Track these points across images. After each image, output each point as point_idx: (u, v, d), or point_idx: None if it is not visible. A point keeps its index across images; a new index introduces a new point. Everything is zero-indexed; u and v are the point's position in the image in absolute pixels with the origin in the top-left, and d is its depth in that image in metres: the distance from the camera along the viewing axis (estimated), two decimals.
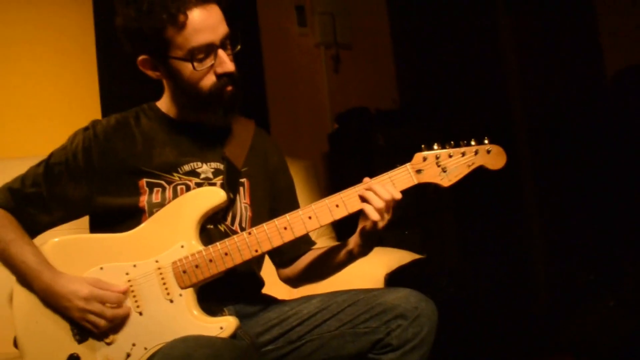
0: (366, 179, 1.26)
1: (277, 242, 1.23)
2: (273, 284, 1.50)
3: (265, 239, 1.23)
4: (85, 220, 1.40)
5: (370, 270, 1.76)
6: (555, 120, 3.04)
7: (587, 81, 3.04)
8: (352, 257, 1.34)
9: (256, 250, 1.23)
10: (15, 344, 1.27)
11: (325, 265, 1.39)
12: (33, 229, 1.31)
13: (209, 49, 1.24)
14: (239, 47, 1.30)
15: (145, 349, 1.20)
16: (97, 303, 1.20)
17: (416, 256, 1.85)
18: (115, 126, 1.35)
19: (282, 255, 1.45)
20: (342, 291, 1.34)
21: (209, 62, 1.25)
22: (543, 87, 3.09)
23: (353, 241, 1.31)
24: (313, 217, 1.24)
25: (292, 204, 1.46)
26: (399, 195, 1.22)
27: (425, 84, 3.00)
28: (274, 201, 1.43)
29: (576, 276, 2.80)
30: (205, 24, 1.23)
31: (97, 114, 2.34)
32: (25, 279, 1.24)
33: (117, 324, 1.21)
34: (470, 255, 2.57)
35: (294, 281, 1.47)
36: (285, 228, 1.23)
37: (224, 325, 1.21)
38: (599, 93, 2.96)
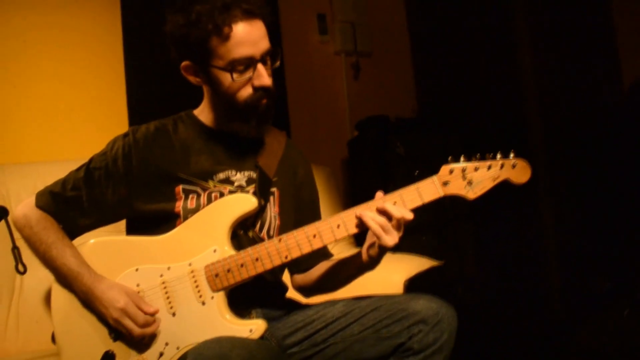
0: (379, 194, 1.28)
1: (306, 249, 1.28)
2: (292, 289, 1.54)
3: (295, 246, 1.28)
4: (121, 223, 1.47)
5: (390, 276, 1.81)
6: (571, 129, 3.06)
7: (604, 90, 3.05)
8: (362, 270, 1.37)
9: (286, 257, 1.28)
10: (53, 340, 1.33)
11: (337, 276, 1.43)
12: (72, 231, 1.38)
13: (249, 62, 1.30)
14: (278, 63, 1.35)
15: (178, 348, 1.26)
16: (128, 319, 1.25)
17: (434, 263, 1.89)
18: (155, 133, 1.40)
19: (299, 265, 1.49)
20: (364, 296, 1.38)
21: (247, 74, 1.30)
22: (560, 95, 3.10)
23: (363, 254, 1.32)
24: (341, 225, 1.28)
25: (314, 218, 1.49)
26: (410, 216, 1.24)
27: (444, 92, 3.03)
28: (297, 213, 1.48)
29: (591, 284, 2.82)
30: (248, 38, 1.28)
31: (123, 118, 2.40)
32: (65, 280, 1.31)
33: (150, 324, 1.26)
34: (485, 262, 2.60)
35: (307, 291, 1.50)
36: (314, 236, 1.28)
37: (253, 327, 1.26)
38: (616, 102, 2.97)
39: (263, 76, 1.31)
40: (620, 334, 2.28)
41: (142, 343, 1.27)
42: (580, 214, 3.03)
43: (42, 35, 2.26)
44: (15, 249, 1.08)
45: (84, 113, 2.31)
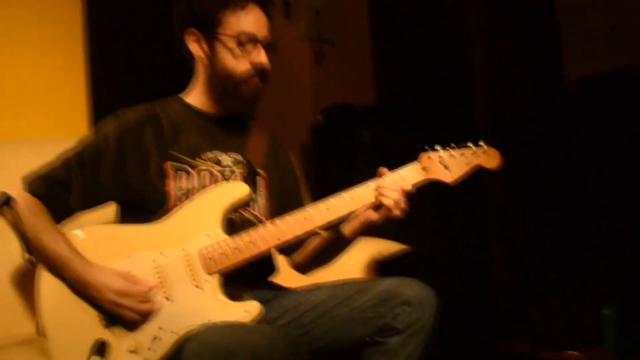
0: (383, 170, 1.38)
1: (299, 232, 1.34)
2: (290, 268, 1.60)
3: (288, 229, 1.33)
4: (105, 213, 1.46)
5: (360, 260, 1.88)
6: (518, 125, 3.25)
7: (549, 87, 3.27)
8: (349, 241, 1.46)
9: (279, 239, 1.33)
10: (38, 331, 1.30)
11: (329, 249, 1.51)
12: (63, 214, 1.36)
13: (253, 40, 1.39)
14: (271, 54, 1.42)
15: (173, 332, 1.27)
16: (126, 298, 1.26)
17: (402, 246, 1.99)
18: (145, 115, 1.44)
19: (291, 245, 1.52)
20: (349, 279, 1.46)
21: (249, 48, 1.38)
22: (508, 92, 3.29)
23: (352, 226, 1.42)
24: (332, 208, 1.35)
25: (299, 202, 1.55)
26: (409, 187, 1.37)
27: (401, 83, 3.14)
28: (283, 198, 1.53)
29: (533, 270, 3.02)
30: (258, 19, 1.40)
31: (82, 100, 2.33)
32: (56, 268, 1.29)
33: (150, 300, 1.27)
34: (441, 248, 2.74)
35: (304, 267, 1.57)
36: (305, 218, 1.34)
37: (248, 308, 1.30)
38: (560, 100, 3.19)
39: (263, 55, 1.40)
40: (569, 317, 2.46)
41: (136, 327, 1.27)
42: (524, 206, 3.22)
43: None
44: (24, 237, 1.05)
45: (41, 93, 2.22)
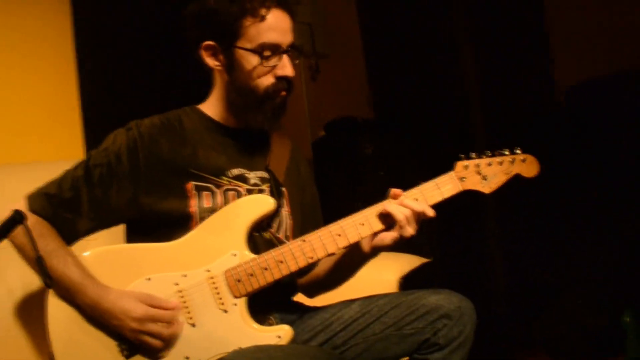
0: (395, 191, 1.28)
1: (332, 249, 1.25)
2: None
3: (320, 246, 1.24)
4: (116, 232, 1.35)
5: (382, 275, 1.80)
6: (511, 133, 3.23)
7: (540, 96, 3.28)
8: (364, 260, 1.36)
9: (311, 257, 1.24)
10: None
11: (341, 271, 1.41)
12: (70, 236, 1.25)
13: (276, 50, 1.27)
14: (298, 61, 1.33)
15: None
16: (151, 323, 1.16)
17: (423, 260, 1.91)
18: (161, 127, 1.32)
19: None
20: (380, 295, 1.37)
21: (273, 61, 1.27)
22: (500, 100, 3.29)
23: (367, 245, 1.31)
24: (366, 223, 1.26)
25: (315, 218, 1.47)
26: (431, 212, 1.26)
27: (396, 94, 3.11)
28: (302, 214, 1.44)
29: (536, 278, 2.98)
30: (279, 25, 1.27)
31: (76, 121, 2.23)
32: (67, 293, 1.18)
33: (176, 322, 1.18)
34: (447, 261, 2.68)
35: (311, 290, 1.47)
36: (339, 235, 1.25)
37: (281, 334, 1.21)
38: (553, 107, 3.20)
39: (287, 67, 1.29)
40: (574, 322, 2.41)
41: (161, 356, 1.17)
42: (521, 215, 3.19)
43: None
44: (39, 259, 0.95)
45: (34, 115, 2.11)
